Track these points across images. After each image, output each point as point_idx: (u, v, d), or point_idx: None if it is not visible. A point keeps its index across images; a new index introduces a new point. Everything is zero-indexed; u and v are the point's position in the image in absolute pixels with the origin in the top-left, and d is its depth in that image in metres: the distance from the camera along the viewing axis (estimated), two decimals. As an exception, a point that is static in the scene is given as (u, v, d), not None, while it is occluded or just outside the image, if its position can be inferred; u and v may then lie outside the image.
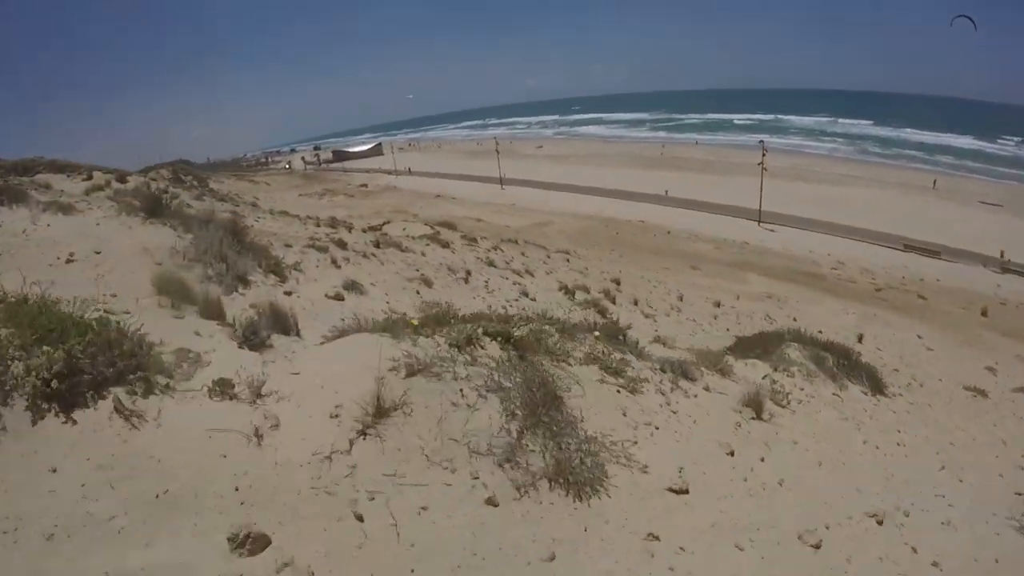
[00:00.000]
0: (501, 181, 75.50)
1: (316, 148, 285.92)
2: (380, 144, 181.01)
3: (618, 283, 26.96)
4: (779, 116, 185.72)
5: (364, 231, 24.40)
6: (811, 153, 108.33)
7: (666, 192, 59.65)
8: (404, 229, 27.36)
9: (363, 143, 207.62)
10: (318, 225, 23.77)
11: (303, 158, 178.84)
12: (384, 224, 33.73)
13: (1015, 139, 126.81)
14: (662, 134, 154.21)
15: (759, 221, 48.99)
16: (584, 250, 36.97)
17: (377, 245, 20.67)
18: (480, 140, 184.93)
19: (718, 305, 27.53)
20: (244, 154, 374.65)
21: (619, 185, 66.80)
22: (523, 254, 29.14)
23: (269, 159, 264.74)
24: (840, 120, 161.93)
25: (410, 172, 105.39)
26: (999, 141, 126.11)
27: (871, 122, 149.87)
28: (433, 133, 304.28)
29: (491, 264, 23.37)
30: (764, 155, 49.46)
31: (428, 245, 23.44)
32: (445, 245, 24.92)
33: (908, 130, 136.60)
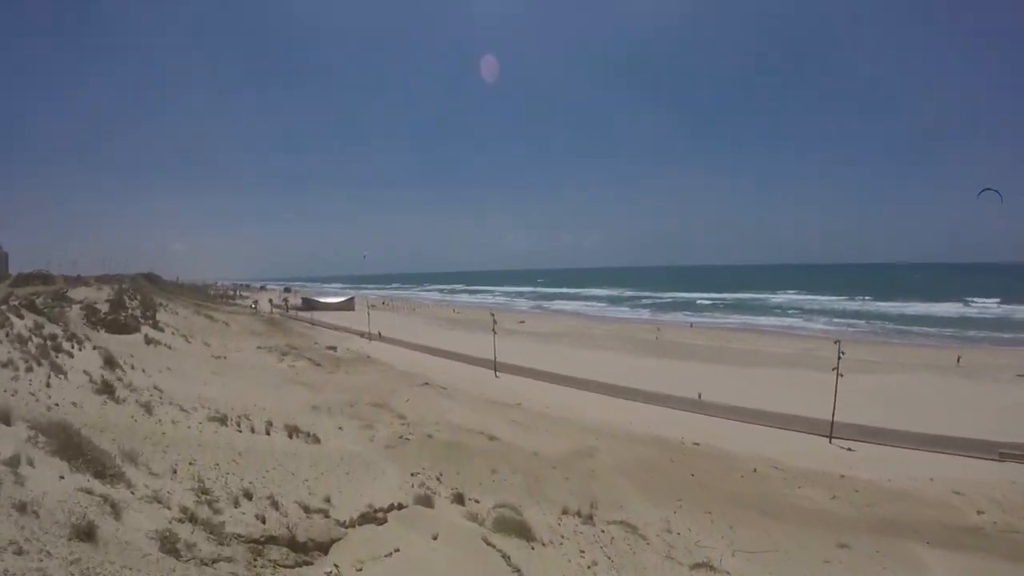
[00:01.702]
0: (495, 367, 65.84)
1: (286, 290, 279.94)
2: (352, 299, 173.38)
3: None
4: (761, 293, 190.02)
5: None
6: (806, 335, 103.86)
7: (699, 396, 50.48)
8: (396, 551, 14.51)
9: (335, 294, 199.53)
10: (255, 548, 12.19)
11: (271, 300, 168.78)
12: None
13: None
14: (645, 313, 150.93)
15: (830, 437, 39.58)
16: (676, 513, 25.53)
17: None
18: (457, 307, 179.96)
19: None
20: (216, 281, 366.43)
21: (632, 380, 57.59)
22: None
23: (238, 292, 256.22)
24: (819, 297, 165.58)
25: (380, 336, 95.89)
26: (974, 304, 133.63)
27: (868, 297, 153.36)
28: (405, 292, 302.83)
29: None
30: (841, 357, 41.42)
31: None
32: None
33: (898, 303, 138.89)
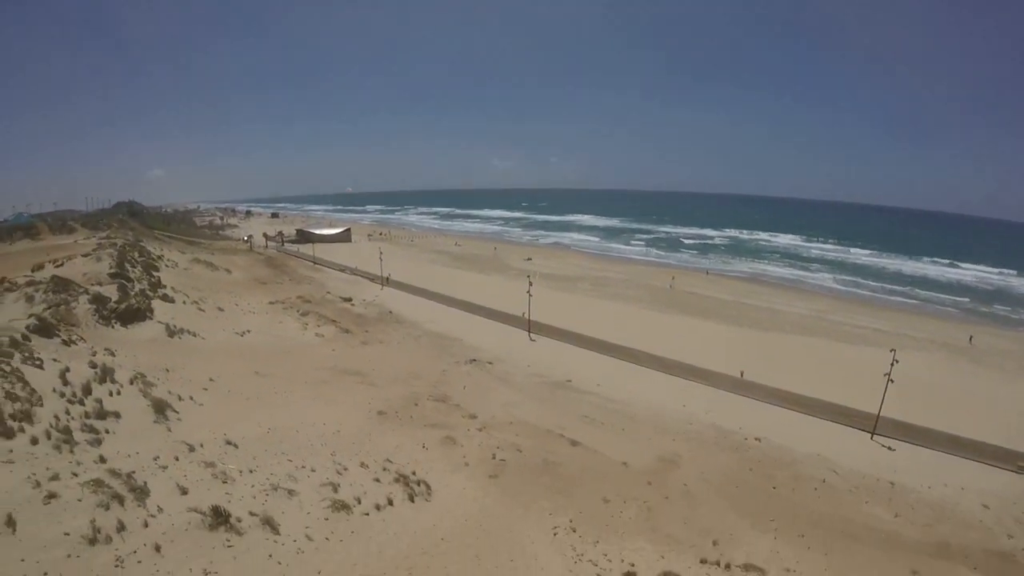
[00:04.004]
0: (529, 329, 64.04)
1: (274, 215, 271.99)
2: (348, 230, 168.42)
3: None
4: (756, 233, 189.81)
5: None
6: (810, 289, 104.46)
7: (741, 374, 50.07)
8: None
9: (329, 224, 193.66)
10: None
11: (265, 234, 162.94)
12: None
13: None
14: (654, 251, 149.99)
15: (872, 433, 39.90)
16: (776, 539, 26.08)
17: None
18: (456, 238, 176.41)
19: None
20: (198, 206, 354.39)
21: (664, 346, 57.97)
22: None
23: (225, 219, 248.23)
24: (822, 244, 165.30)
25: (389, 282, 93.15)
26: (992, 271, 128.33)
27: (871, 251, 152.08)
28: (399, 216, 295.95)
29: None
30: (893, 364, 40.37)
31: None
32: None
33: (902, 258, 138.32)
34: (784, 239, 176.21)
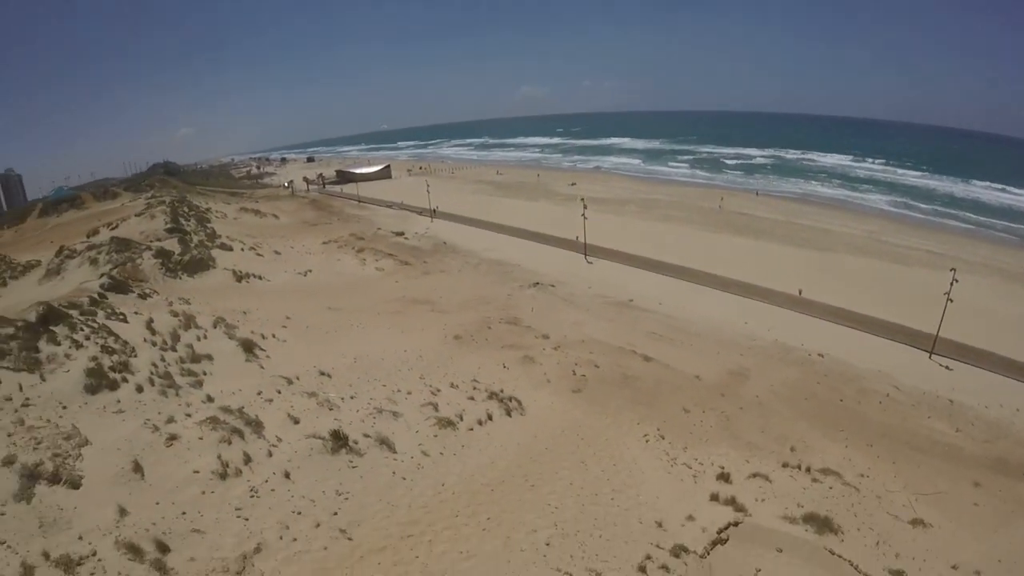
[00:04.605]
0: (585, 252, 63.46)
1: (310, 159, 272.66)
2: (388, 167, 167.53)
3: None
4: (808, 153, 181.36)
5: None
6: (861, 210, 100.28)
7: (800, 292, 49.02)
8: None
9: (367, 163, 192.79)
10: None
11: (305, 178, 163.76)
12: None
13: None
14: (700, 173, 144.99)
15: (930, 352, 39.53)
16: (847, 447, 26.85)
17: None
18: (500, 166, 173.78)
19: None
20: (232, 159, 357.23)
21: (720, 265, 57.72)
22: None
23: (261, 168, 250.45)
24: (871, 164, 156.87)
25: (436, 213, 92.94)
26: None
27: (922, 172, 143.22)
28: (433, 150, 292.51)
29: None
30: (953, 283, 38.77)
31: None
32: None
33: (952, 180, 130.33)
34: (831, 159, 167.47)
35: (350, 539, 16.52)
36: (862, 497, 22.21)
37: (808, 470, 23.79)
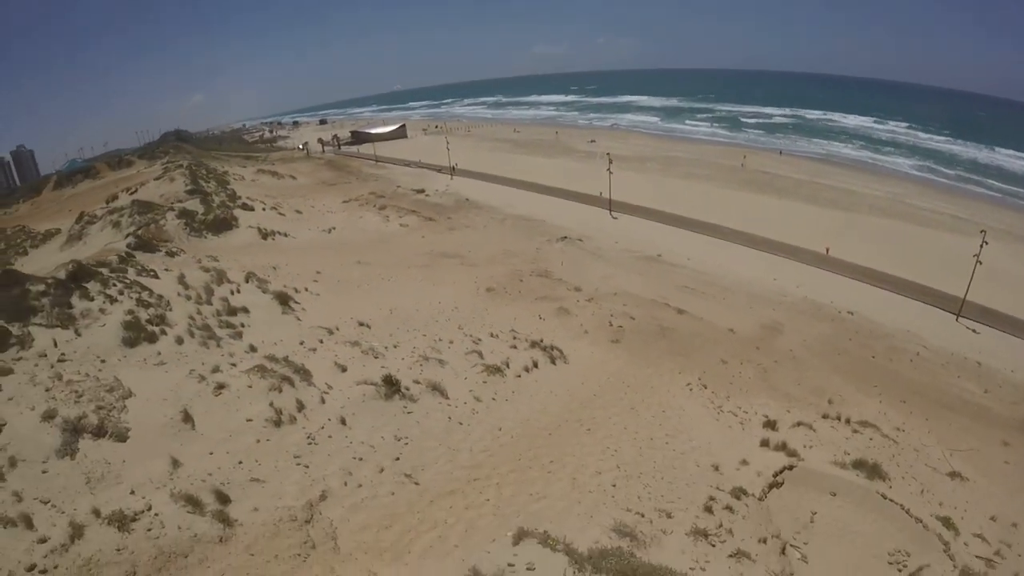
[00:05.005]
0: (610, 208, 62.72)
1: (322, 122, 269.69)
2: (403, 126, 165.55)
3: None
4: (829, 113, 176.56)
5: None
6: (884, 172, 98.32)
7: (827, 251, 48.38)
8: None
9: (381, 123, 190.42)
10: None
11: (320, 139, 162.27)
12: None
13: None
14: (720, 131, 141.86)
15: (957, 315, 39.53)
16: (881, 402, 27.43)
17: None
18: (516, 124, 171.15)
19: None
20: (243, 124, 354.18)
21: (744, 221, 57.43)
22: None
23: (274, 132, 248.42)
24: (894, 124, 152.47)
25: (456, 170, 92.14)
26: None
27: (945, 137, 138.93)
28: (446, 109, 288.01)
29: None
30: (983, 246, 38.06)
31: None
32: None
33: (976, 146, 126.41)
34: (853, 120, 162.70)
35: (416, 484, 16.59)
36: (901, 449, 22.59)
37: (848, 421, 24.12)
